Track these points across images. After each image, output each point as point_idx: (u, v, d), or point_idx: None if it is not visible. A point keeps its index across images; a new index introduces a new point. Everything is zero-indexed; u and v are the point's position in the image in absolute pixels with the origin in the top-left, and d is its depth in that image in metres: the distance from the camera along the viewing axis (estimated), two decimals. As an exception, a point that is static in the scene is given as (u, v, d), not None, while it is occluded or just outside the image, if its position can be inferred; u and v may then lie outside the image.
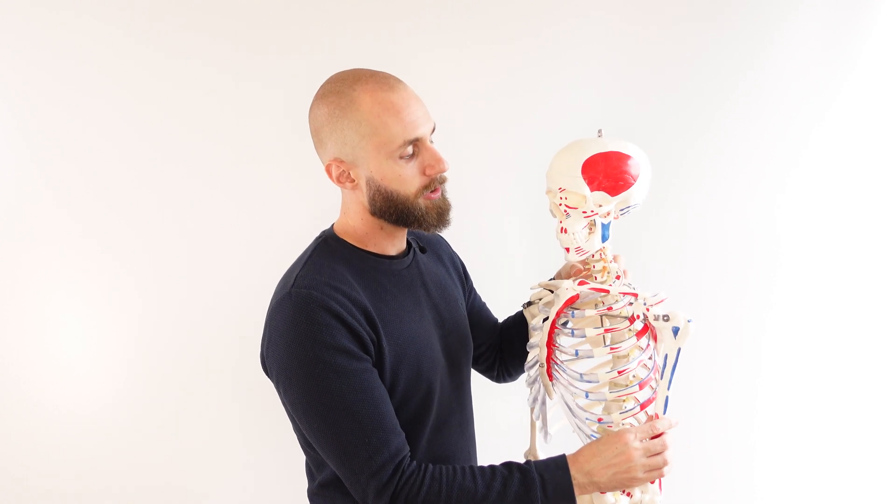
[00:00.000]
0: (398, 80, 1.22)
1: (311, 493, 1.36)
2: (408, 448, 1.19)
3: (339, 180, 1.24)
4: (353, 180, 1.23)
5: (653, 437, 1.23)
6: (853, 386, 2.34)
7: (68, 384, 2.24)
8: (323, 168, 1.25)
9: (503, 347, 1.54)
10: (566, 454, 1.21)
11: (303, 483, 1.40)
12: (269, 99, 2.17)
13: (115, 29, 2.12)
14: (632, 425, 1.29)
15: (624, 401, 1.28)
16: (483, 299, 1.59)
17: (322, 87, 1.23)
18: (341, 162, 1.21)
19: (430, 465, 1.19)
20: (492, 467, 1.19)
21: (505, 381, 1.60)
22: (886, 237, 2.29)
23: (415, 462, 1.19)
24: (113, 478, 2.26)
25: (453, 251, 1.53)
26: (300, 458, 1.37)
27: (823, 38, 2.21)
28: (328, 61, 2.10)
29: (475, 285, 1.57)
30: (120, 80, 2.14)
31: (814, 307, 2.32)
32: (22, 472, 2.25)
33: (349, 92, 1.18)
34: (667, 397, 1.24)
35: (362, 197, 1.24)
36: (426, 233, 1.29)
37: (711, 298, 2.30)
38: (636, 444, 1.20)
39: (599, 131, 1.27)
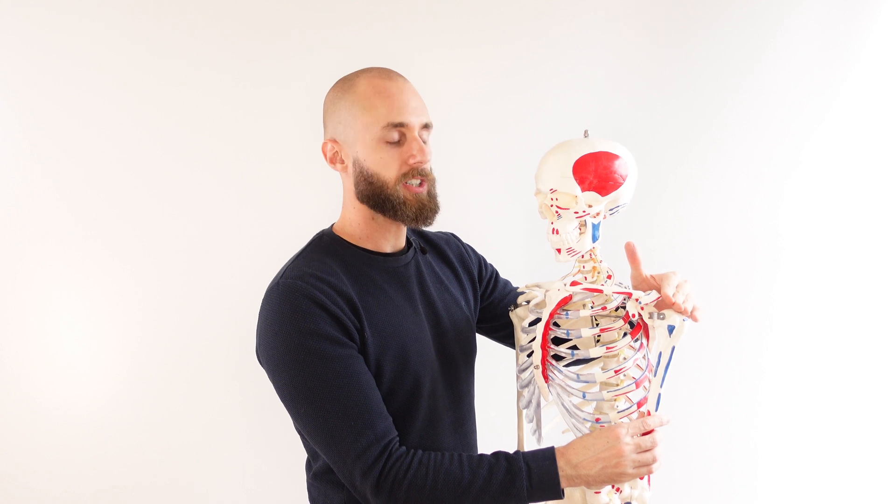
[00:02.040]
0: (401, 76, 1.28)
1: (308, 485, 1.39)
2: (395, 433, 1.21)
3: (332, 161, 1.30)
4: (343, 162, 1.28)
5: (644, 434, 1.22)
6: (854, 387, 2.33)
7: (69, 384, 2.25)
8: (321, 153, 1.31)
9: None
10: (555, 446, 1.21)
11: (303, 481, 1.40)
12: (269, 99, 2.18)
13: (115, 29, 2.13)
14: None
15: (618, 400, 1.27)
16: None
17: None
18: (335, 142, 1.28)
19: (419, 451, 1.20)
20: (480, 455, 1.21)
21: None
22: (887, 238, 2.28)
23: (403, 447, 1.20)
24: (113, 477, 2.27)
25: (466, 247, 1.53)
26: (300, 455, 1.38)
27: (823, 39, 2.21)
28: (326, 62, 2.12)
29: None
30: (121, 80, 2.16)
31: (814, 307, 2.32)
32: (22, 471, 2.26)
33: (353, 78, 1.27)
34: (659, 395, 1.23)
35: (350, 181, 1.29)
36: (408, 225, 1.30)
37: (712, 299, 2.29)
38: (627, 439, 1.20)
39: (586, 131, 1.27)
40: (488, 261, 1.56)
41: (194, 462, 2.29)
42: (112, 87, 2.15)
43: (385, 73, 1.27)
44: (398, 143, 1.25)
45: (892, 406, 2.34)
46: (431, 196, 1.28)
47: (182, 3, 2.14)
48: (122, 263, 2.22)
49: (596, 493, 1.27)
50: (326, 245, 1.31)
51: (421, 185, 1.26)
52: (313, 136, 2.04)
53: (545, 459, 1.19)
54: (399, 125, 1.24)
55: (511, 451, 1.22)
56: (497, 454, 1.20)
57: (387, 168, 1.24)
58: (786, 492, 2.37)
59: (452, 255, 1.48)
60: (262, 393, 2.20)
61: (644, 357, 1.28)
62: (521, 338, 1.37)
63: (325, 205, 2.03)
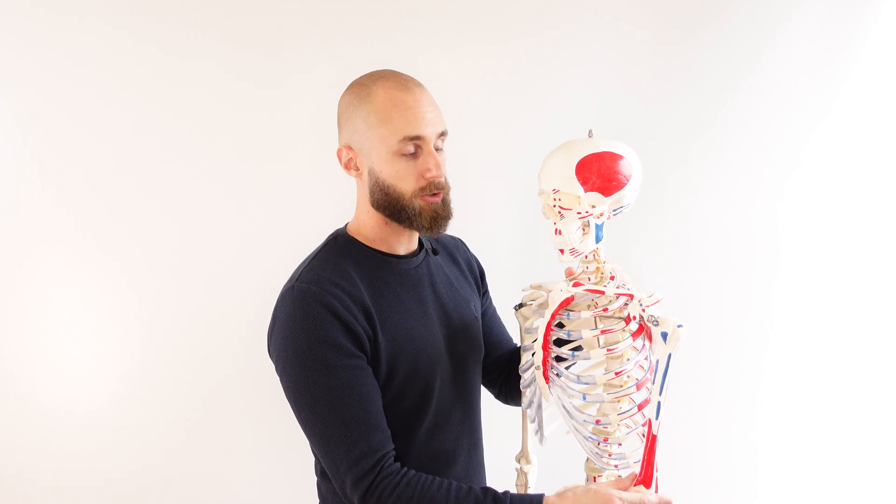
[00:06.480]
0: (418, 84, 1.27)
1: (318, 482, 1.40)
2: (391, 447, 1.23)
3: (346, 167, 1.31)
4: (358, 169, 1.29)
5: None
6: (854, 387, 2.33)
7: (69, 384, 2.24)
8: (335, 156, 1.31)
9: (512, 370, 1.53)
10: (545, 495, 1.20)
11: (302, 479, 1.41)
12: (270, 99, 2.18)
13: (115, 29, 2.13)
14: (627, 425, 1.29)
15: (620, 402, 1.27)
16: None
17: (353, 80, 1.30)
18: (350, 149, 1.28)
19: (411, 471, 1.22)
20: (469, 487, 1.21)
21: (507, 402, 1.60)
22: (887, 238, 2.28)
23: (398, 464, 1.22)
24: (113, 477, 2.27)
25: (472, 255, 1.56)
26: (300, 454, 1.38)
27: (823, 39, 2.20)
28: (327, 62, 2.14)
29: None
30: (121, 80, 2.15)
31: (814, 307, 2.31)
32: (22, 471, 2.26)
33: (370, 85, 1.26)
34: (659, 403, 1.22)
35: (365, 188, 1.29)
36: (422, 234, 1.32)
37: (712, 299, 2.29)
38: None
39: (590, 132, 1.27)
40: (492, 264, 1.57)
41: (194, 461, 2.29)
42: (113, 88, 2.14)
43: (401, 84, 1.25)
44: (414, 155, 1.25)
45: (892, 406, 2.34)
46: (445, 203, 1.29)
47: (183, 3, 2.14)
48: (122, 264, 2.22)
49: None
50: (341, 246, 1.32)
51: (435, 195, 1.27)
52: (313, 137, 2.04)
53: None
54: (415, 138, 1.23)
55: (500, 491, 1.21)
56: (486, 490, 1.21)
57: (403, 181, 1.25)
58: (786, 492, 2.37)
59: (461, 258, 1.51)
60: (262, 392, 2.21)
61: (646, 358, 1.28)
62: (524, 337, 1.37)
63: (325, 205, 2.03)
